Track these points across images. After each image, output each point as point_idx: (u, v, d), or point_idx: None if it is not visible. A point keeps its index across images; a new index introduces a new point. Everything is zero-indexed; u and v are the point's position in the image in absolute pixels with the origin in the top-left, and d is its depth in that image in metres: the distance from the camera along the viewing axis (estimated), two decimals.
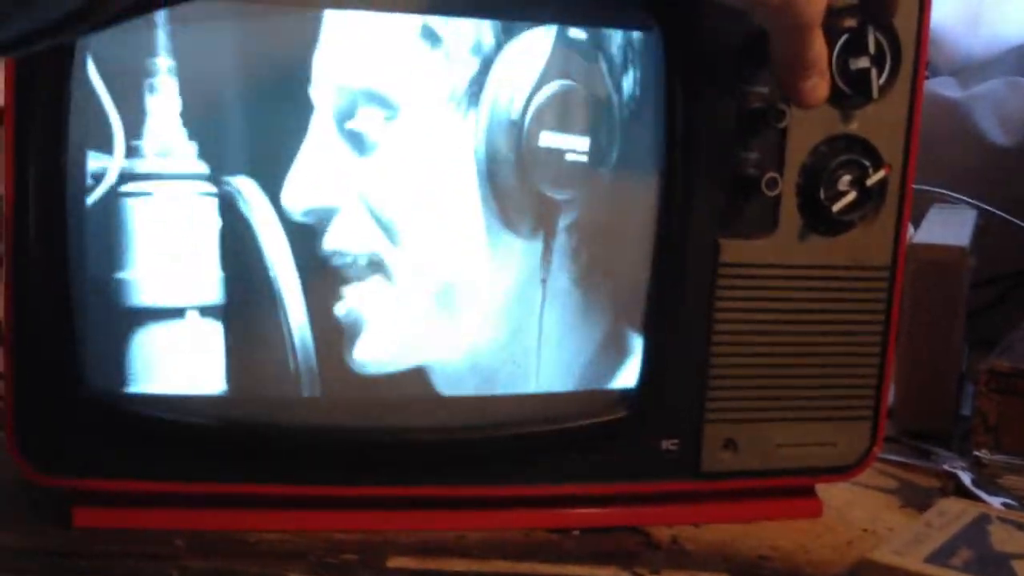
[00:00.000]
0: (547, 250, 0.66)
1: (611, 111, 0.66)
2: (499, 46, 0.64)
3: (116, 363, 0.62)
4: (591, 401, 0.68)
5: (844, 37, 0.64)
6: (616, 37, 0.65)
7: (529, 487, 0.68)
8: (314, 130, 0.62)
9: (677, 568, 0.65)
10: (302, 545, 0.64)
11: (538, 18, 0.64)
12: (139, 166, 0.61)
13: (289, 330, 0.63)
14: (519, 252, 0.66)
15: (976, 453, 0.81)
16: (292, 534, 0.65)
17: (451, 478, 0.67)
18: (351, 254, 0.64)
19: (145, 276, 0.62)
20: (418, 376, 0.66)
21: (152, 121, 0.60)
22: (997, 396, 0.81)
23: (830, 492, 0.74)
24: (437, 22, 0.63)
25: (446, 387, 0.66)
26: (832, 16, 0.62)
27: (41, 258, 0.60)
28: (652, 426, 0.68)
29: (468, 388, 0.67)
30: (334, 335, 0.64)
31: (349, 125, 0.62)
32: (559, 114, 0.65)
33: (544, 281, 0.66)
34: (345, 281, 0.64)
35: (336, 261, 0.63)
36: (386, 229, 0.64)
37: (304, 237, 0.63)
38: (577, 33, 0.65)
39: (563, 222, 0.66)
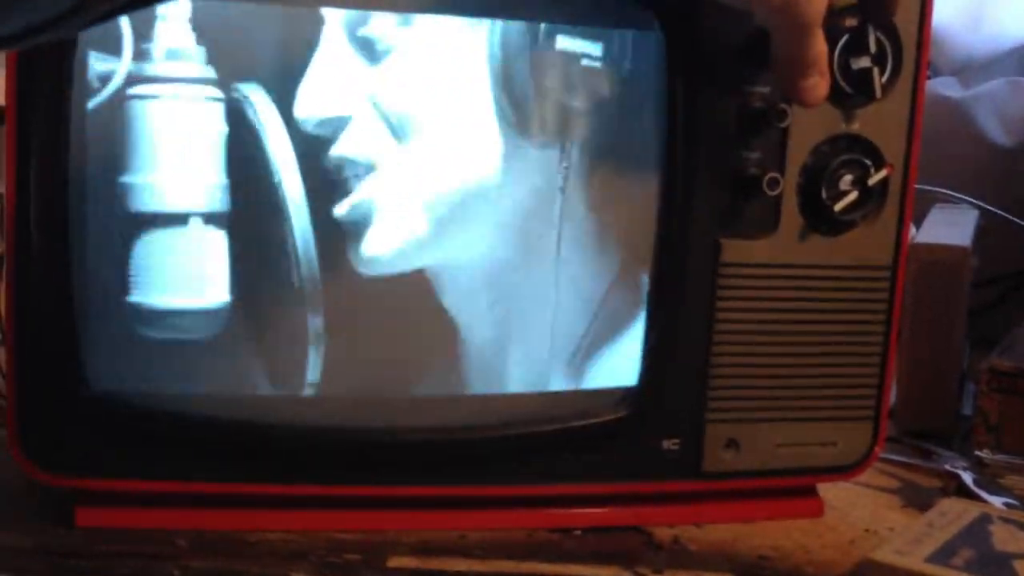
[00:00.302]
0: (563, 159, 0.65)
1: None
2: None
3: (135, 262, 0.62)
4: (592, 400, 0.68)
5: (845, 37, 0.64)
6: (617, 37, 0.65)
7: (530, 487, 0.68)
8: (326, 39, 0.61)
9: (679, 568, 0.65)
10: (304, 545, 0.64)
11: (538, 17, 0.64)
12: (148, 69, 0.60)
13: (293, 241, 0.62)
14: (535, 162, 0.65)
15: (977, 453, 0.81)
16: (294, 534, 0.65)
17: (452, 478, 0.67)
18: (363, 163, 0.63)
19: (150, 180, 0.61)
20: (424, 282, 0.65)
21: (162, 24, 0.60)
22: (998, 396, 0.81)
23: (831, 492, 0.74)
24: None
25: (456, 299, 0.65)
26: (833, 16, 0.61)
27: (42, 256, 0.61)
28: (653, 426, 0.68)
29: (481, 303, 0.65)
30: (339, 241, 0.63)
31: (361, 31, 0.62)
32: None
33: (562, 190, 0.65)
34: (355, 190, 0.63)
35: (348, 171, 0.63)
36: (399, 137, 0.63)
37: (316, 148, 0.62)
38: None
39: (578, 134, 0.65)
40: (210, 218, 0.62)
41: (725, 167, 0.66)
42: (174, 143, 0.61)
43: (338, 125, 0.62)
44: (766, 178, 0.66)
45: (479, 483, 0.67)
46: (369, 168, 0.63)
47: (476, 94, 0.64)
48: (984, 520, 0.67)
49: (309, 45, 0.61)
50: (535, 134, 0.65)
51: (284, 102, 0.61)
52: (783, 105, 0.65)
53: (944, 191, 1.06)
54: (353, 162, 0.63)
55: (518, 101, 0.64)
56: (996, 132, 1.17)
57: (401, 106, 0.63)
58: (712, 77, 0.65)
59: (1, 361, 0.67)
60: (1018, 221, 1.06)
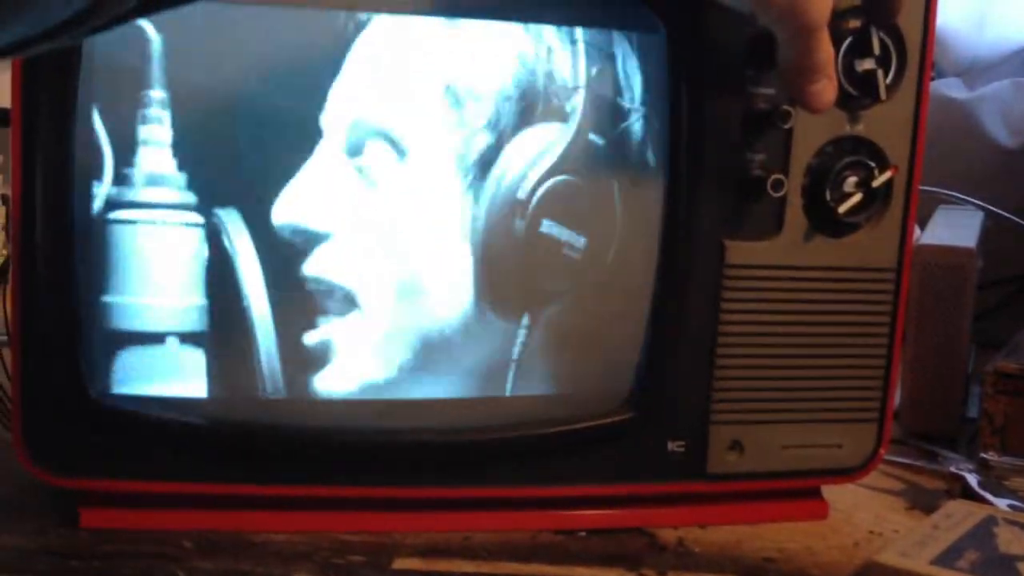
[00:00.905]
0: (529, 336, 0.66)
1: (613, 209, 0.66)
2: (516, 130, 0.64)
3: (116, 367, 0.63)
4: (597, 402, 0.68)
5: (848, 39, 0.64)
6: (621, 40, 0.65)
7: (535, 488, 0.68)
8: (319, 155, 0.62)
9: (683, 570, 0.65)
10: (308, 546, 0.64)
11: (545, 20, 0.64)
12: (128, 194, 0.61)
13: (259, 359, 0.63)
14: (498, 332, 0.66)
15: (983, 455, 0.81)
16: (299, 535, 0.65)
17: (457, 479, 0.67)
18: (330, 284, 0.63)
19: (129, 301, 0.62)
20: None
21: (144, 149, 0.61)
22: (1004, 398, 0.80)
23: (836, 494, 0.74)
24: (462, 88, 0.63)
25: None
26: (836, 18, 0.61)
27: (48, 259, 0.61)
28: (658, 428, 0.68)
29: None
30: (302, 365, 0.64)
31: (356, 160, 0.63)
32: (563, 206, 0.65)
33: (517, 362, 0.66)
34: (320, 311, 0.64)
35: (314, 287, 0.63)
36: (371, 267, 0.64)
37: (288, 257, 0.63)
38: (595, 138, 0.65)
39: (550, 310, 0.66)
40: (186, 337, 0.63)
41: (729, 169, 0.66)
42: (153, 266, 0.62)
43: (315, 239, 0.63)
44: (770, 180, 0.65)
45: (483, 485, 0.67)
46: (336, 291, 0.63)
47: (454, 250, 0.64)
48: (989, 522, 0.67)
49: (300, 157, 0.62)
50: (503, 309, 0.65)
51: (262, 219, 0.62)
52: (787, 107, 0.65)
53: (949, 193, 1.06)
54: (322, 281, 0.63)
55: (493, 271, 0.65)
56: (1001, 133, 1.17)
57: (380, 237, 0.64)
58: (716, 79, 0.65)
59: (6, 363, 0.67)
60: (1023, 223, 1.06)
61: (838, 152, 0.67)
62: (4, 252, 0.66)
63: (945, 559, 0.62)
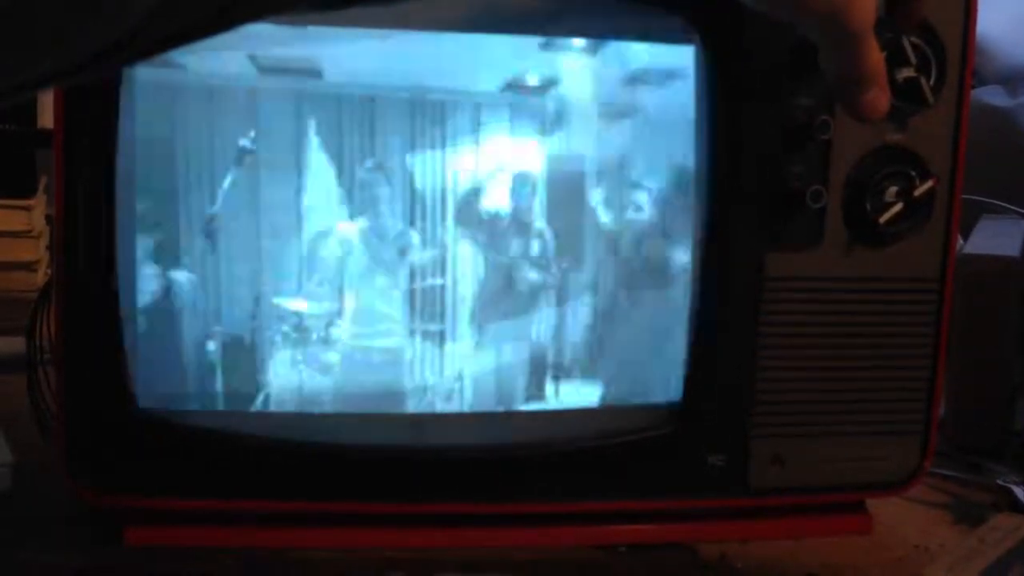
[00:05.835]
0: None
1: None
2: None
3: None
4: (637, 416, 0.68)
5: (886, 50, 0.64)
6: (659, 52, 0.65)
7: (576, 503, 0.68)
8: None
9: None
10: (350, 563, 0.64)
11: (577, 32, 0.64)
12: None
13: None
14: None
15: None
16: (340, 552, 0.65)
17: (497, 495, 0.67)
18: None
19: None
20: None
21: None
22: None
23: (881, 508, 0.73)
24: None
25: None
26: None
27: (90, 278, 0.61)
28: (699, 441, 0.67)
29: None
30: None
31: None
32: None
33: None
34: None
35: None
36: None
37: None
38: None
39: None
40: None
41: (768, 181, 0.66)
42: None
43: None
44: (809, 191, 0.65)
45: (524, 500, 0.67)
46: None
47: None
48: None
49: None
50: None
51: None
52: (826, 117, 0.64)
53: (992, 201, 1.04)
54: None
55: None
56: None
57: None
58: (755, 90, 0.65)
59: (50, 382, 0.68)
60: None
61: (878, 162, 0.66)
62: (48, 272, 0.67)
63: (992, 573, 0.61)
